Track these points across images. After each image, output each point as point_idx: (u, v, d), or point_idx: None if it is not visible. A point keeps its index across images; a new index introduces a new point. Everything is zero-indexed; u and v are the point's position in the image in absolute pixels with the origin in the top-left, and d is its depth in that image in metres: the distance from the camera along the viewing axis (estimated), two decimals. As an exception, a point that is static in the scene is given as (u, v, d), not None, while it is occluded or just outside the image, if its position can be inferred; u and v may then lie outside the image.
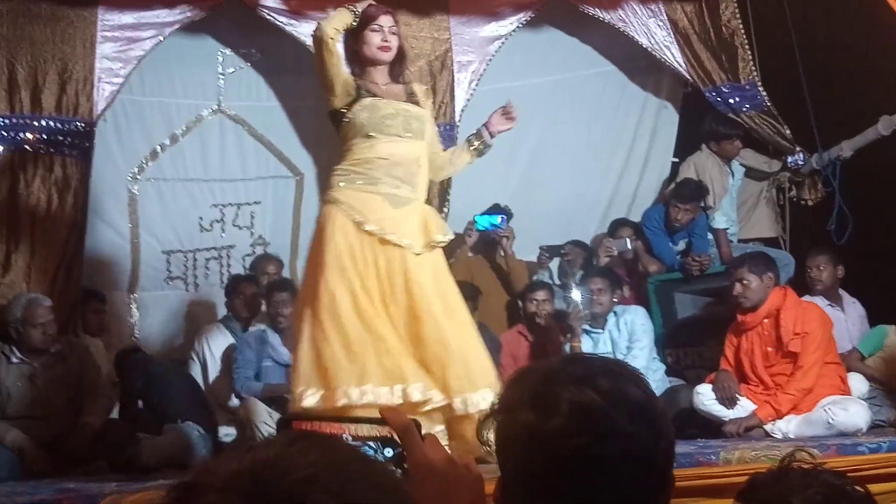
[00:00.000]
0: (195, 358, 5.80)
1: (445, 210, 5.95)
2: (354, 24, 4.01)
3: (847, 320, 5.65)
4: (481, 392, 3.87)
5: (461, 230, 6.01)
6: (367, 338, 3.83)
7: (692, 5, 6.35)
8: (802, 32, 6.14)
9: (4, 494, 3.75)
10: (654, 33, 6.32)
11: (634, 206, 6.81)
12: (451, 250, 5.19)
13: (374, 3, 4.05)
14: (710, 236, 6.23)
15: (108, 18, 5.59)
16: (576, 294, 5.56)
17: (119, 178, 6.21)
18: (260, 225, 6.60)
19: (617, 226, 6.45)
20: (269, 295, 5.58)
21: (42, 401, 4.82)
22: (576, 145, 6.77)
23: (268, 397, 5.21)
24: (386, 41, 4.00)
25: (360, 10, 3.99)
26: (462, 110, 6.11)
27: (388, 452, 1.11)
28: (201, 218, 6.46)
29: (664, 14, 6.32)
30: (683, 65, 6.36)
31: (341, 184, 3.99)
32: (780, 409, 4.86)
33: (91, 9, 5.56)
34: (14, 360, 4.85)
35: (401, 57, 4.11)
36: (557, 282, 6.20)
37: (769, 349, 5.00)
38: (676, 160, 6.78)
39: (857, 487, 1.55)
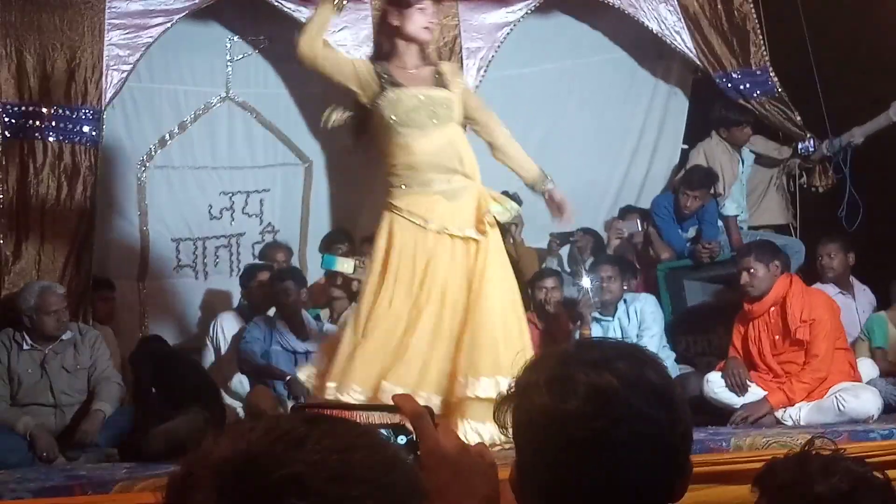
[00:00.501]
0: (210, 345, 5.81)
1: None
2: (338, 13, 4.02)
3: (858, 308, 5.64)
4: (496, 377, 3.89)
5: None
6: (395, 343, 3.94)
7: (703, -10, 6.32)
8: (814, 17, 6.09)
9: (15, 481, 3.76)
10: (664, 18, 6.27)
11: (644, 192, 6.78)
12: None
13: None
14: (720, 223, 6.20)
15: (116, 6, 5.58)
16: (586, 281, 5.55)
17: (128, 166, 6.21)
18: (269, 212, 6.60)
19: (626, 213, 6.45)
20: (274, 283, 5.59)
21: (53, 388, 4.83)
22: (585, 132, 6.75)
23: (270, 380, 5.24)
24: (431, 22, 4.10)
25: None
26: (471, 97, 6.09)
27: (401, 440, 1.10)
28: (210, 206, 6.46)
29: (675, -1, 6.29)
30: (694, 50, 6.32)
31: (402, 187, 4.05)
32: (794, 398, 4.84)
33: (99, -4, 5.56)
34: (25, 346, 4.86)
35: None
36: (567, 269, 6.19)
37: (776, 337, 4.98)
38: (686, 147, 6.75)
39: (877, 475, 1.54)
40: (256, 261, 6.25)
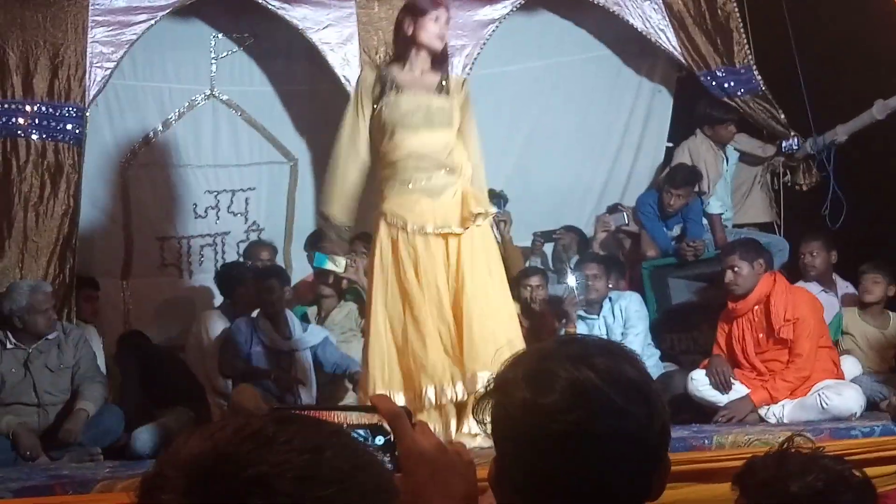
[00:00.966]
0: (194, 343, 5.79)
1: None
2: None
3: (841, 306, 5.66)
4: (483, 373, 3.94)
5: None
6: (395, 346, 4.10)
7: (687, -12, 6.33)
8: (797, 16, 6.11)
9: (-2, 481, 3.74)
10: (648, 16, 6.28)
11: (628, 191, 6.79)
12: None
13: None
14: (704, 221, 6.22)
15: (100, 2, 5.54)
16: (571, 280, 5.56)
17: (112, 164, 6.18)
18: (254, 211, 6.58)
19: (614, 210, 6.45)
20: (257, 281, 5.57)
21: (36, 387, 4.81)
22: (570, 130, 6.75)
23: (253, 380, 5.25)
24: (444, 32, 4.22)
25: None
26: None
27: (379, 440, 1.10)
28: (195, 204, 6.43)
29: (659, -3, 6.30)
30: (678, 48, 6.33)
31: (385, 192, 4.17)
32: (777, 396, 4.86)
33: (82, -8, 5.53)
34: (9, 346, 4.83)
35: (445, 51, 4.31)
36: (552, 267, 6.20)
37: (760, 335, 5.00)
38: (671, 145, 6.77)
39: (856, 472, 1.54)
40: (239, 259, 6.23)
